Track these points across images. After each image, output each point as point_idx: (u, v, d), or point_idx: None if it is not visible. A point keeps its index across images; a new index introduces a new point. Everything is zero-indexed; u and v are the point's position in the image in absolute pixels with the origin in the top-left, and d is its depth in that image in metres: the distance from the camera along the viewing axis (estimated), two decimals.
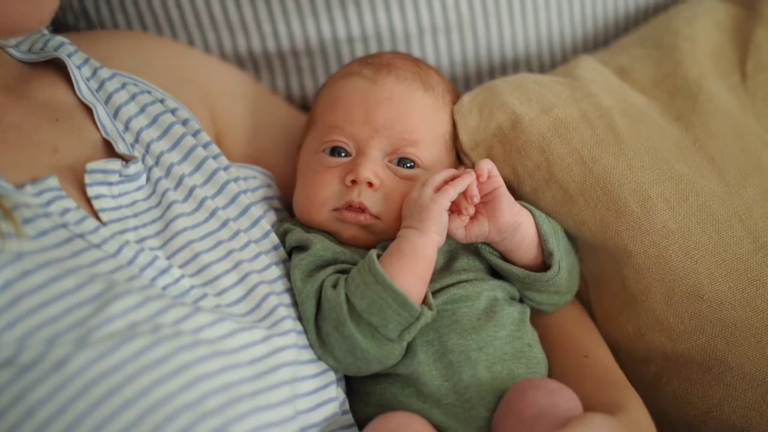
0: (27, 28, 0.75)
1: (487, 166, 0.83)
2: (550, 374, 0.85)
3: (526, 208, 0.86)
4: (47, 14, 0.73)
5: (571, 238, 0.94)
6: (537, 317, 0.90)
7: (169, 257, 0.73)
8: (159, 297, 0.69)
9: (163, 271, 0.72)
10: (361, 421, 0.78)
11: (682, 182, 0.91)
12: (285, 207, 0.94)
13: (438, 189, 0.82)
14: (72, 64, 0.86)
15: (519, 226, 0.84)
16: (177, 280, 0.72)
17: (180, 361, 0.66)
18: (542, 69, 1.08)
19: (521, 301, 0.88)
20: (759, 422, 0.91)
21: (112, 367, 0.64)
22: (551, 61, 1.10)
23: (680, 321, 0.91)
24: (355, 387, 0.83)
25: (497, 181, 0.83)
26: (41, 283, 0.65)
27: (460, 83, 1.06)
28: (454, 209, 0.83)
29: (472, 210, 0.83)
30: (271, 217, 0.89)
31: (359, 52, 1.05)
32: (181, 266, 0.74)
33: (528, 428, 0.72)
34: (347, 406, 0.81)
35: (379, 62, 0.94)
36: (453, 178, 0.82)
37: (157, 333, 0.67)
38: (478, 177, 0.83)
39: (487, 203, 0.84)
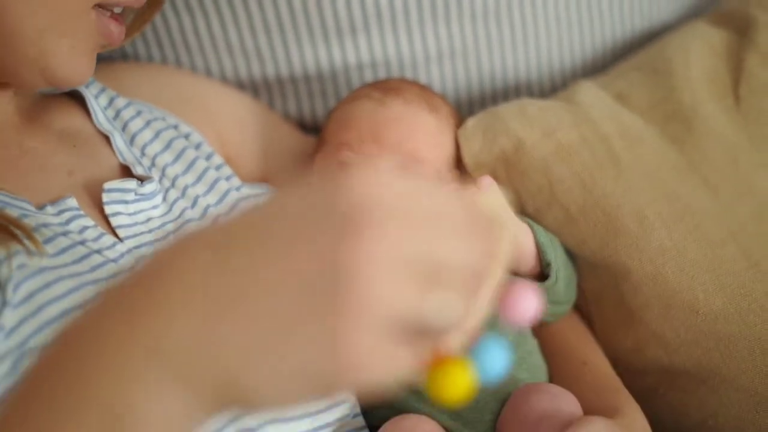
0: (72, 84, 0.78)
1: (486, 182, 0.88)
2: (551, 380, 0.89)
3: (526, 222, 0.91)
4: (87, 72, 0.76)
5: (572, 255, 0.98)
6: (538, 327, 0.94)
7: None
8: None
9: None
10: (373, 425, 0.81)
11: (678, 203, 0.95)
12: None
13: None
14: (89, 94, 0.89)
15: (517, 239, 0.88)
16: None
17: None
18: (542, 94, 1.12)
19: None
20: (752, 431, 0.94)
21: None
22: (551, 86, 1.14)
23: (676, 335, 0.94)
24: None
25: None
26: (62, 294, 0.67)
27: (464, 108, 1.10)
28: None
29: None
30: None
31: (368, 77, 1.09)
32: None
33: (532, 430, 0.75)
34: (358, 410, 0.84)
35: (387, 86, 0.99)
36: None
37: None
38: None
39: None
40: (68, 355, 0.44)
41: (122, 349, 0.42)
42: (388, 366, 0.40)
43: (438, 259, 0.41)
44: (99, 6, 0.75)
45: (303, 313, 0.40)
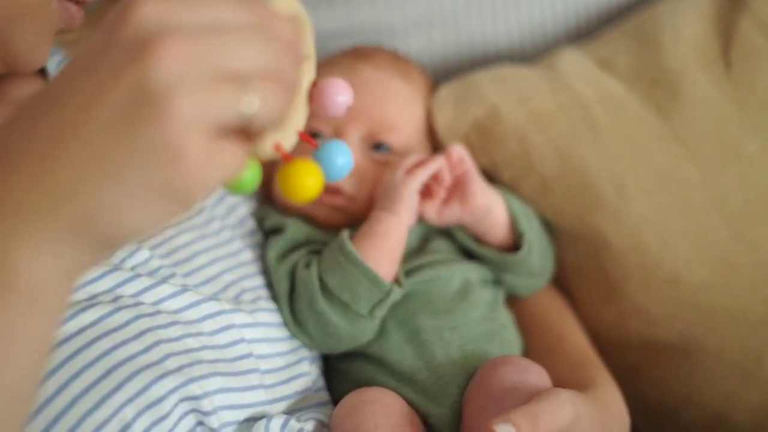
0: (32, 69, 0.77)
1: (457, 150, 0.85)
2: (526, 355, 0.86)
3: (499, 191, 0.88)
4: (46, 57, 0.76)
5: (551, 227, 0.95)
6: (514, 301, 0.92)
7: (139, 239, 0.75)
8: (121, 270, 0.71)
9: (132, 253, 0.73)
10: (339, 399, 0.79)
11: (659, 170, 0.92)
12: (263, 194, 0.95)
13: (409, 172, 0.83)
14: (51, 63, 0.87)
15: (491, 209, 0.86)
16: (146, 261, 0.74)
17: (140, 326, 0.68)
18: (525, 62, 1.09)
19: (496, 283, 0.89)
20: (739, 407, 0.92)
21: (71, 332, 0.65)
22: (534, 54, 1.10)
23: (658, 308, 0.92)
24: (333, 366, 0.85)
25: (467, 164, 0.85)
26: None
27: (442, 78, 1.07)
28: (427, 193, 0.85)
29: (443, 192, 0.85)
30: (249, 204, 0.91)
31: (344, 45, 1.06)
32: (151, 248, 0.75)
33: (497, 402, 0.72)
34: (321, 384, 0.83)
35: (359, 53, 0.96)
36: (424, 162, 0.84)
37: (117, 302, 0.68)
38: (448, 161, 0.85)
39: (458, 186, 0.86)
40: None
41: None
42: (219, 160, 0.44)
43: (232, 61, 0.43)
44: None
45: (121, 137, 0.42)
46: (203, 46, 0.43)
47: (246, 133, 0.46)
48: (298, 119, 0.54)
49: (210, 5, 0.44)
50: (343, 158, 0.55)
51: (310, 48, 0.56)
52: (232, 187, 0.51)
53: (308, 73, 0.56)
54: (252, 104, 0.44)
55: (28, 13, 0.71)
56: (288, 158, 0.52)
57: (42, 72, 0.87)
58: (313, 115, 0.89)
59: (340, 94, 0.56)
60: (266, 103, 0.44)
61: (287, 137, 0.52)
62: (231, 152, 0.44)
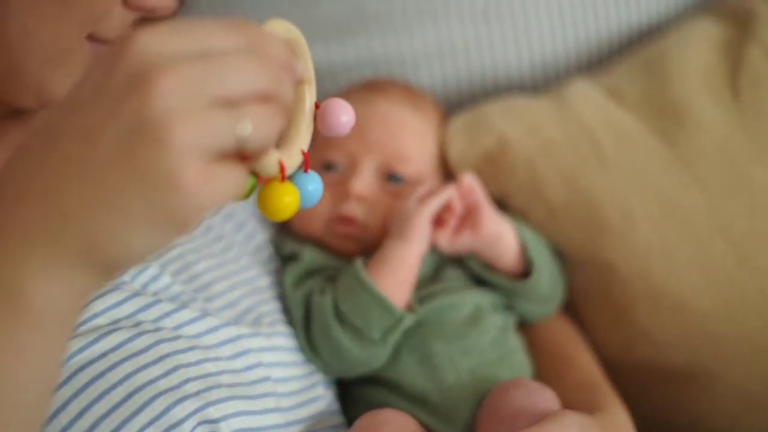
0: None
1: (468, 180, 0.88)
2: (536, 379, 0.87)
3: (510, 219, 0.90)
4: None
5: (560, 254, 0.97)
6: (525, 327, 0.94)
7: (162, 266, 0.77)
8: (143, 295, 0.73)
9: (155, 278, 0.76)
10: (352, 422, 0.81)
11: (666, 198, 0.94)
12: (280, 223, 0.98)
13: (421, 201, 0.86)
14: None
15: (501, 237, 0.88)
16: (168, 287, 0.76)
17: (160, 351, 0.70)
18: (535, 92, 1.11)
19: (507, 309, 0.91)
20: (744, 430, 0.92)
21: (95, 356, 0.67)
22: (544, 84, 1.12)
23: (665, 333, 0.93)
24: (348, 391, 0.87)
25: (478, 193, 0.88)
26: None
27: (454, 107, 1.09)
28: (439, 222, 0.87)
29: (454, 221, 0.87)
30: (267, 231, 0.93)
31: (356, 77, 1.09)
32: (172, 274, 0.78)
33: (507, 425, 0.74)
34: (336, 407, 0.84)
35: (372, 86, 0.99)
36: (436, 192, 0.87)
37: (138, 327, 0.70)
38: (459, 190, 0.87)
39: (469, 215, 0.88)
40: None
41: None
42: (217, 183, 0.45)
43: (227, 85, 0.45)
44: (91, 37, 0.77)
45: (122, 166, 0.45)
46: (196, 75, 0.45)
47: (243, 154, 0.48)
48: (302, 140, 0.56)
49: (201, 33, 0.46)
50: (314, 185, 0.56)
51: (310, 71, 0.58)
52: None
53: (310, 95, 0.58)
54: (246, 128, 0.46)
55: (61, 56, 0.73)
56: (284, 178, 0.54)
57: None
58: (325, 144, 0.92)
59: (343, 114, 0.57)
60: (260, 125, 0.46)
61: (291, 156, 0.54)
62: (228, 175, 0.46)
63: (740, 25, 1.08)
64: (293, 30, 0.57)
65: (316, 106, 0.59)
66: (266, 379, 0.77)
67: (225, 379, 0.73)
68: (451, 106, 1.10)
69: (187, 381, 0.70)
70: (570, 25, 1.11)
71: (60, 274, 0.47)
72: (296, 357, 0.82)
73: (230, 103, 0.46)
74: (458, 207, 0.88)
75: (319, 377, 0.84)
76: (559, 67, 1.13)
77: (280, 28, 0.55)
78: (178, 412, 0.67)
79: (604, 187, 0.94)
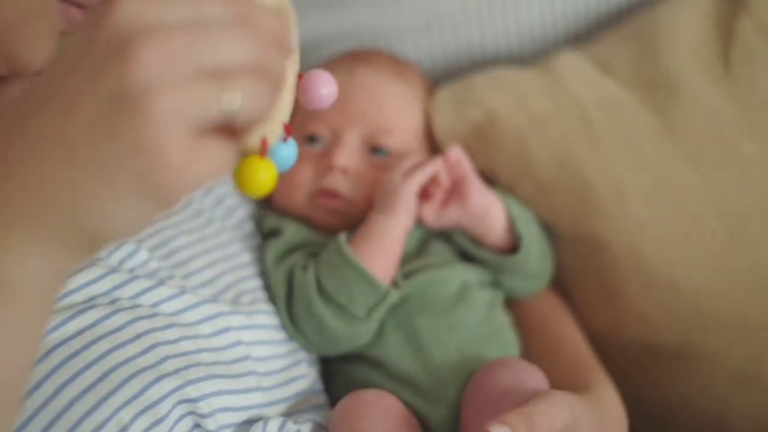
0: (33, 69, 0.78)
1: (455, 153, 0.86)
2: (524, 357, 0.86)
3: (498, 194, 0.88)
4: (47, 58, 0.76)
5: (549, 229, 0.95)
6: (512, 303, 0.92)
7: (139, 241, 0.75)
8: (119, 271, 0.71)
9: (131, 254, 0.74)
10: (338, 401, 0.79)
11: (657, 173, 0.93)
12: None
13: (407, 174, 0.84)
14: None
15: (488, 211, 0.86)
16: (145, 263, 0.74)
17: (138, 329, 0.68)
18: (523, 64, 1.09)
19: (494, 286, 0.89)
20: (735, 410, 0.92)
21: (70, 334, 0.65)
22: (532, 57, 1.10)
23: (656, 311, 0.92)
24: (331, 369, 0.85)
25: (465, 166, 0.86)
26: None
27: (441, 80, 1.07)
28: (425, 195, 0.85)
29: (441, 195, 0.85)
30: (248, 206, 0.91)
31: (341, 49, 1.06)
32: (150, 250, 0.75)
33: (494, 404, 0.73)
34: (319, 386, 0.83)
35: (357, 56, 0.96)
36: (422, 165, 0.85)
37: (115, 305, 0.68)
38: (446, 163, 0.85)
39: (456, 189, 0.86)
40: None
41: None
42: (202, 157, 0.43)
43: (213, 56, 0.43)
44: None
45: (104, 138, 0.42)
46: (183, 43, 0.42)
47: (231, 129, 0.46)
48: (283, 112, 0.54)
49: (188, 0, 0.44)
50: (287, 150, 0.54)
51: (294, 41, 0.55)
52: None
53: (293, 66, 0.55)
54: (234, 101, 0.43)
55: (29, 15, 0.72)
56: (264, 152, 0.51)
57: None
58: (308, 116, 0.90)
59: (324, 86, 0.55)
60: (249, 98, 0.44)
61: (273, 130, 0.52)
62: (214, 150, 0.44)
63: None
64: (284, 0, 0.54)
65: (299, 77, 0.56)
66: (247, 357, 0.75)
67: (204, 357, 0.71)
68: (438, 78, 1.07)
69: (165, 359, 0.68)
70: None
71: (39, 249, 0.45)
72: (278, 335, 0.80)
73: (218, 75, 0.43)
74: (445, 180, 0.86)
75: (302, 355, 0.82)
76: (546, 39, 1.11)
77: None
78: (156, 391, 0.66)
79: (594, 162, 0.92)
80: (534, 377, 0.76)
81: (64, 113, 0.43)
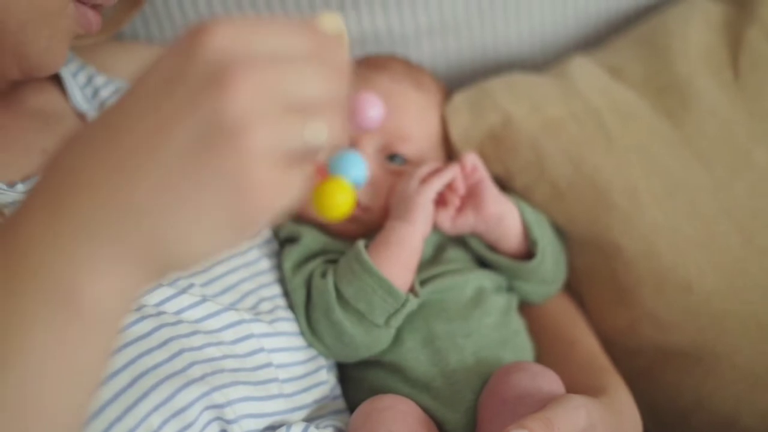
0: (46, 73, 0.78)
1: (471, 159, 0.86)
2: (538, 361, 0.87)
3: (512, 200, 0.89)
4: (61, 62, 0.77)
5: (562, 232, 0.96)
6: (526, 308, 0.93)
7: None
8: None
9: None
10: (355, 406, 0.80)
11: (671, 178, 0.93)
12: None
13: (423, 181, 0.84)
14: (68, 72, 0.88)
15: (504, 217, 0.87)
16: None
17: (164, 335, 0.69)
18: (536, 69, 1.09)
19: (509, 290, 0.90)
20: (748, 412, 0.92)
21: None
22: (544, 61, 1.11)
23: (670, 313, 0.92)
24: (349, 374, 0.86)
25: (481, 173, 0.86)
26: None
27: (455, 84, 1.08)
28: (441, 202, 0.86)
29: (457, 201, 0.86)
30: None
31: (358, 53, 1.07)
32: None
33: (511, 409, 0.74)
34: (338, 392, 0.84)
35: (374, 63, 0.97)
36: (438, 172, 0.85)
37: (141, 311, 0.69)
38: (462, 170, 0.86)
39: (472, 195, 0.87)
40: (1, 252, 0.46)
41: (50, 236, 0.45)
42: (287, 189, 0.44)
43: (301, 92, 0.44)
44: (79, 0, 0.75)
45: (193, 166, 0.43)
46: (274, 77, 0.43)
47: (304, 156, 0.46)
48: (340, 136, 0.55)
49: (274, 32, 0.45)
50: (358, 169, 0.55)
51: (347, 60, 0.57)
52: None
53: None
54: (319, 133, 0.44)
55: (45, 17, 0.72)
56: (323, 174, 0.52)
57: (56, 78, 0.89)
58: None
59: (371, 109, 0.55)
60: (330, 131, 0.45)
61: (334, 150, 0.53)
62: (295, 179, 0.45)
63: (740, 4, 1.07)
64: (341, 24, 0.54)
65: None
66: (269, 364, 0.76)
67: (228, 363, 0.72)
68: (452, 82, 1.08)
69: (191, 365, 0.69)
70: (571, 1, 1.09)
71: (116, 270, 0.45)
72: (298, 342, 0.81)
73: (303, 108, 0.44)
74: (461, 187, 0.87)
75: (322, 362, 0.83)
76: (558, 43, 1.12)
77: (332, 23, 0.52)
78: (184, 397, 0.67)
79: (609, 166, 0.93)
80: (550, 381, 0.77)
81: (157, 138, 0.43)
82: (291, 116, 0.44)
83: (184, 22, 1.06)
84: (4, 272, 0.45)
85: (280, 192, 0.44)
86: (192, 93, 0.43)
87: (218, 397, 0.69)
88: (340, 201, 0.51)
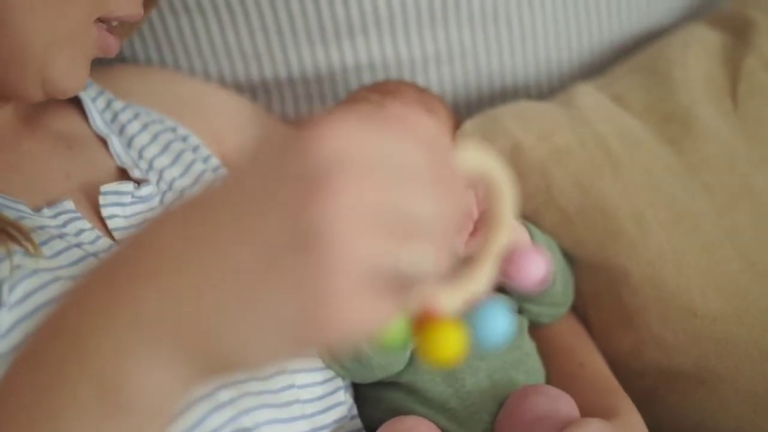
0: (69, 95, 0.79)
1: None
2: (548, 382, 0.89)
3: (523, 224, 0.91)
4: (83, 83, 0.78)
5: (570, 257, 0.98)
6: (535, 329, 0.94)
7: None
8: None
9: None
10: (372, 426, 0.81)
11: (675, 204, 0.96)
12: None
13: None
14: (87, 97, 0.89)
15: (515, 240, 0.88)
16: None
17: None
18: (541, 96, 1.12)
19: (519, 312, 0.92)
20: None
21: None
22: (549, 89, 1.14)
23: (675, 337, 0.94)
24: (365, 394, 0.88)
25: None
26: (58, 296, 0.67)
27: (463, 110, 1.10)
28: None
29: (470, 226, 0.88)
30: None
31: (366, 80, 1.09)
32: None
33: (529, 431, 0.75)
34: (355, 412, 0.85)
35: (385, 89, 0.99)
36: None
37: None
38: (475, 194, 0.87)
39: (483, 219, 0.88)
40: (54, 333, 0.45)
41: (104, 323, 0.43)
42: (367, 314, 0.40)
43: (406, 211, 0.41)
44: (99, 20, 0.76)
45: (273, 270, 0.40)
46: (377, 194, 0.40)
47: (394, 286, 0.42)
48: (475, 285, 0.48)
49: (391, 141, 0.41)
50: (501, 322, 0.46)
51: (505, 213, 0.52)
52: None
53: (501, 239, 0.51)
54: (420, 259, 0.40)
55: (65, 40, 0.73)
56: (431, 318, 0.45)
57: (77, 103, 0.89)
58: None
59: (535, 270, 0.49)
60: (425, 262, 0.41)
61: (453, 297, 0.47)
62: (383, 307, 0.41)
63: (739, 34, 1.10)
64: (490, 160, 0.48)
65: (509, 250, 0.51)
66: (291, 386, 0.77)
67: (253, 386, 0.73)
68: (459, 109, 1.10)
69: (219, 389, 0.70)
70: (574, 30, 1.13)
71: (167, 366, 0.42)
72: (317, 363, 0.82)
73: (403, 230, 0.40)
74: (474, 211, 0.88)
75: (339, 382, 0.84)
76: (562, 72, 1.14)
77: (476, 156, 0.47)
78: (213, 421, 0.67)
79: (616, 193, 0.95)
80: (567, 405, 0.79)
81: (240, 237, 0.41)
82: (389, 237, 0.40)
83: (196, 46, 1.08)
84: (58, 352, 0.44)
85: (359, 315, 0.40)
86: (287, 197, 0.40)
87: (246, 421, 0.70)
88: (447, 347, 0.44)
